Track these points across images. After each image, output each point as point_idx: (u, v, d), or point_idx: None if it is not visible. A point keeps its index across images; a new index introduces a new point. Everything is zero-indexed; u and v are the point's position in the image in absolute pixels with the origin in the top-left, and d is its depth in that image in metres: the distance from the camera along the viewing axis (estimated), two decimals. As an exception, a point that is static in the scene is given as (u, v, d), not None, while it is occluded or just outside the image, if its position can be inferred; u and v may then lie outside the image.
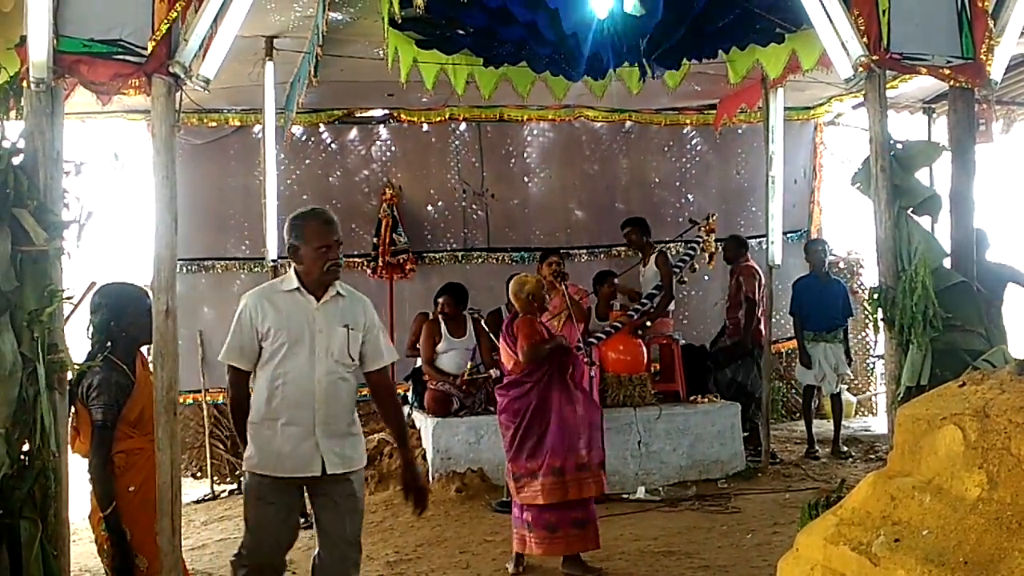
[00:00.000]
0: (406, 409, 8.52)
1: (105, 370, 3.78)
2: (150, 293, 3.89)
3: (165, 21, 3.75)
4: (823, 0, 4.27)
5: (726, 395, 8.36)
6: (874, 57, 4.30)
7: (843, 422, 9.13)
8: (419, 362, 8.15)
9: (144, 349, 4.05)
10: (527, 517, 5.45)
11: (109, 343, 3.87)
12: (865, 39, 4.29)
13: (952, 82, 4.53)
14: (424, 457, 7.52)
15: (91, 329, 3.90)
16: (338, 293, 3.93)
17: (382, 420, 4.12)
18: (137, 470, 3.86)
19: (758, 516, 6.60)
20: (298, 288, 3.87)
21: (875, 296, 4.42)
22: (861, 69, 4.31)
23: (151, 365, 3.88)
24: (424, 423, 7.78)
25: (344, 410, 3.93)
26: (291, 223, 3.92)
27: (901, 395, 4.22)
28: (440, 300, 7.99)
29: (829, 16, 4.29)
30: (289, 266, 4.01)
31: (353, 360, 3.93)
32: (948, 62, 4.47)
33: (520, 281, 5.66)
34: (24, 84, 3.68)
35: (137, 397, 3.86)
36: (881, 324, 4.46)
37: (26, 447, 3.53)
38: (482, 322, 7.81)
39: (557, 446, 5.39)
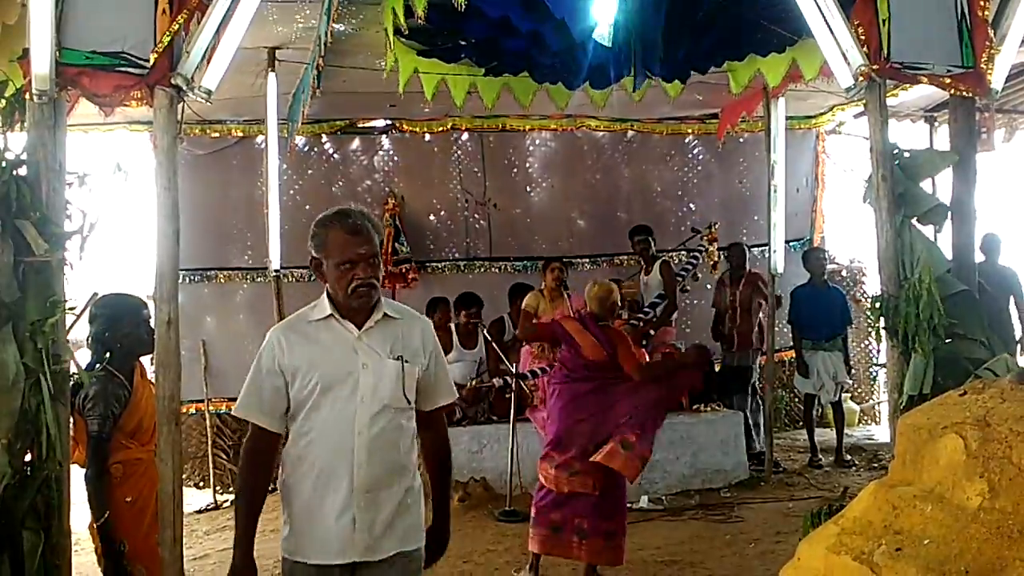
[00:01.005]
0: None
1: (102, 381, 3.79)
2: (151, 303, 3.90)
3: (167, 33, 3.77)
4: (823, 10, 4.27)
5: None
6: (874, 66, 4.31)
7: (846, 431, 9.12)
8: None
9: (146, 359, 4.05)
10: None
11: (107, 353, 3.87)
12: (865, 48, 4.30)
13: (953, 91, 4.53)
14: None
15: (89, 339, 3.90)
16: (386, 315, 3.09)
17: (424, 467, 3.26)
18: (135, 480, 3.86)
19: (761, 525, 6.59)
20: (331, 315, 3.05)
21: (877, 305, 4.41)
22: (861, 78, 4.31)
23: (153, 375, 3.88)
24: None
25: (397, 469, 3.04)
26: (312, 230, 3.10)
27: (903, 404, 4.21)
28: (463, 312, 7.94)
29: (829, 26, 4.29)
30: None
31: (410, 403, 3.07)
32: (949, 71, 4.48)
33: (608, 288, 5.66)
34: (27, 96, 3.70)
35: (135, 407, 3.86)
36: (883, 333, 4.45)
37: (28, 457, 3.53)
38: (485, 332, 7.81)
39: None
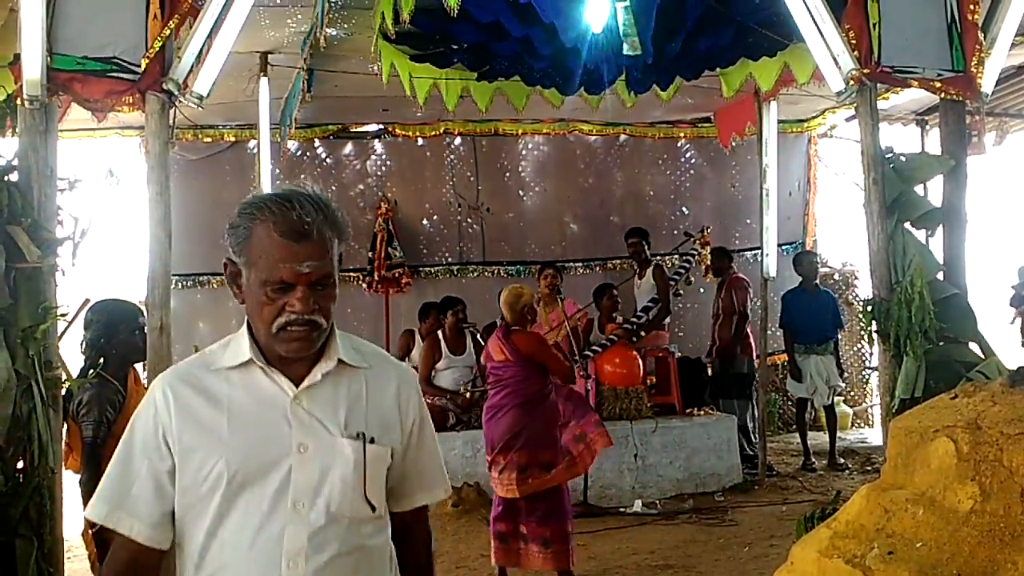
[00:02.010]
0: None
1: (96, 386, 3.78)
2: (144, 309, 3.89)
3: (158, 38, 3.78)
4: (814, 14, 4.30)
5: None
6: (865, 70, 4.33)
7: (839, 434, 9.13)
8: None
9: (140, 365, 4.04)
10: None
11: (101, 359, 3.86)
12: (856, 53, 4.32)
13: (943, 95, 4.56)
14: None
15: (83, 345, 3.89)
16: (342, 363, 1.90)
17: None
18: None
19: (755, 529, 6.59)
20: (252, 360, 1.86)
21: (869, 308, 4.42)
22: (852, 82, 4.33)
23: (145, 381, 3.87)
24: (420, 437, 7.74)
25: None
26: (234, 218, 1.93)
27: (895, 407, 4.22)
28: (448, 314, 7.92)
29: (820, 30, 4.32)
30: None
31: (375, 510, 1.90)
32: (939, 75, 4.50)
33: (516, 292, 5.66)
34: (18, 102, 3.70)
35: (128, 413, 3.84)
36: (876, 336, 4.46)
37: (20, 464, 3.52)
38: (478, 336, 7.80)
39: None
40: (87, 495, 3.75)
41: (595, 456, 5.75)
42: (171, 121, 3.89)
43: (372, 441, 1.88)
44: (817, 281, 8.88)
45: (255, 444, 1.82)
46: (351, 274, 9.33)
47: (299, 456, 1.82)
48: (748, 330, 8.59)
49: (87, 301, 3.91)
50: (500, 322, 5.80)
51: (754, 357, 8.63)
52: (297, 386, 1.85)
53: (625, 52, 5.40)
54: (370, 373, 1.95)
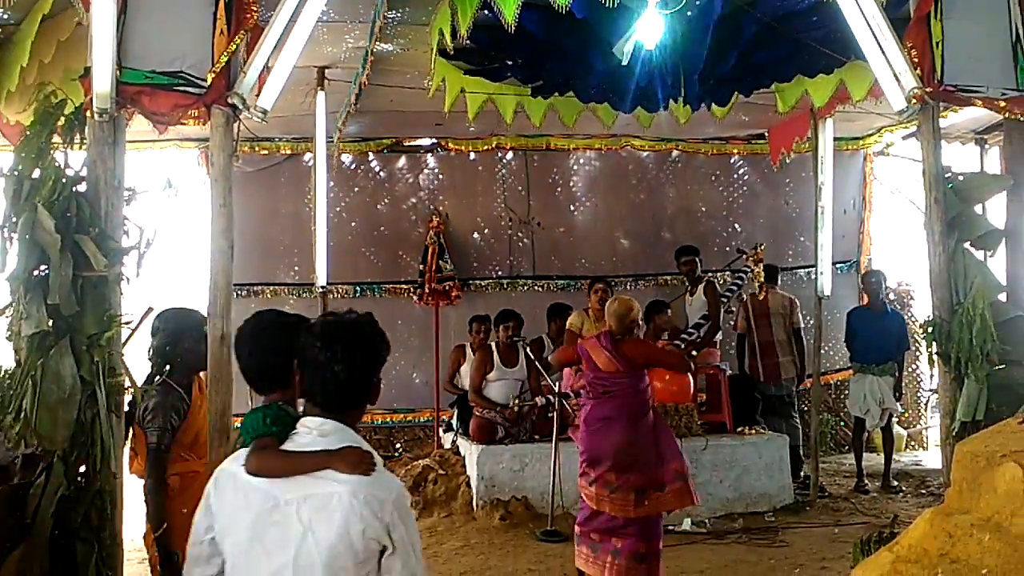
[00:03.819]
0: (450, 436, 8.56)
1: (162, 393, 3.85)
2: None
3: (225, 53, 3.86)
4: (876, 32, 4.26)
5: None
6: (928, 89, 4.28)
7: (893, 455, 8.97)
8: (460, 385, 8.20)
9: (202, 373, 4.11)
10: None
11: (167, 367, 3.93)
12: (918, 71, 4.27)
13: (1008, 114, 4.49)
14: (468, 484, 7.52)
15: (150, 352, 3.96)
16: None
17: None
18: (191, 493, 3.90)
19: (806, 551, 6.50)
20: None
21: (930, 329, 4.36)
22: (915, 101, 4.28)
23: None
24: (469, 450, 7.78)
25: None
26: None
27: (956, 430, 4.15)
28: (501, 328, 7.94)
29: (882, 48, 4.27)
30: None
31: None
32: (1003, 94, 4.44)
33: (627, 304, 5.63)
34: (87, 114, 3.79)
35: (192, 421, 3.91)
36: (936, 357, 4.39)
37: (83, 468, 3.60)
38: (529, 351, 7.81)
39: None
40: (153, 502, 3.82)
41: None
42: (235, 135, 3.96)
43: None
44: (885, 301, 8.74)
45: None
46: (402, 286, 9.42)
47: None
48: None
49: (150, 310, 3.99)
50: (607, 332, 5.69)
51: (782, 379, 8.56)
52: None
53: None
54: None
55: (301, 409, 2.35)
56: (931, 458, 9.90)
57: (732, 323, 8.97)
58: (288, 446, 2.26)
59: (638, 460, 5.29)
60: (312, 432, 2.25)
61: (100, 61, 3.75)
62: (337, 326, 2.30)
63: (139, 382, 3.82)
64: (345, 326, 2.30)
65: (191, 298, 6.69)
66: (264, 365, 2.51)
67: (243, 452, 2.31)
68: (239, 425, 2.72)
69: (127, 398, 3.78)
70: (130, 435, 3.87)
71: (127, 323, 3.76)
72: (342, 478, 2.14)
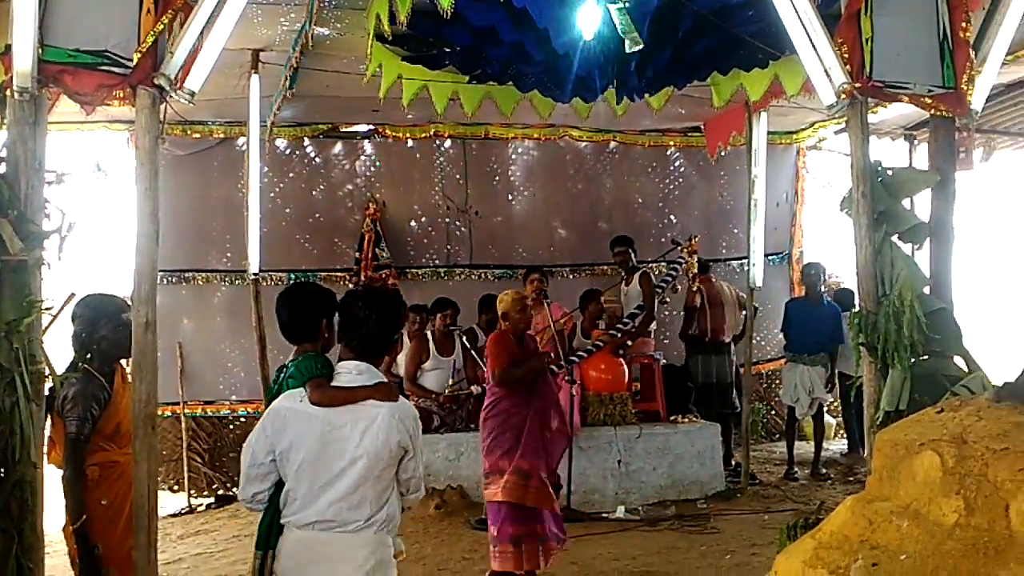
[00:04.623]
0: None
1: (82, 382, 3.75)
2: (129, 305, 3.85)
3: (151, 33, 3.74)
4: (808, 28, 4.30)
5: None
6: (856, 85, 4.33)
7: (823, 444, 9.16)
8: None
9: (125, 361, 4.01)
10: (493, 532, 5.46)
11: (87, 354, 3.83)
12: (848, 67, 4.32)
13: (933, 111, 4.57)
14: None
15: (72, 340, 3.86)
16: None
17: None
18: (110, 483, 3.82)
19: (737, 537, 6.61)
20: None
21: (856, 320, 4.43)
22: (844, 96, 4.34)
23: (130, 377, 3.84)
24: (404, 439, 7.72)
25: None
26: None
27: (880, 419, 4.23)
28: (438, 316, 7.90)
29: (813, 44, 4.32)
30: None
31: None
32: (930, 91, 4.51)
33: (512, 297, 5.65)
34: (7, 93, 3.66)
35: (114, 410, 3.82)
36: (861, 348, 4.47)
37: (2, 458, 3.48)
38: (465, 339, 7.80)
39: (527, 451, 5.44)
40: (71, 493, 3.72)
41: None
42: (162, 117, 3.86)
43: None
44: (822, 293, 8.92)
45: None
46: (337, 274, 9.33)
47: None
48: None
49: (72, 295, 3.87)
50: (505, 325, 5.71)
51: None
52: None
53: (628, 50, 5.37)
54: None
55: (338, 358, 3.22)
56: (858, 446, 10.11)
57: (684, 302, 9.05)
58: (337, 382, 3.12)
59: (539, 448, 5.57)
60: (352, 372, 3.14)
61: (21, 38, 3.61)
62: (375, 292, 3.40)
63: (61, 370, 3.71)
64: (380, 293, 3.40)
65: (119, 284, 6.58)
66: (301, 322, 3.41)
67: (295, 392, 3.13)
68: (287, 368, 3.40)
69: (47, 386, 3.67)
70: (49, 424, 3.76)
71: (48, 309, 3.63)
72: (381, 404, 3.08)
